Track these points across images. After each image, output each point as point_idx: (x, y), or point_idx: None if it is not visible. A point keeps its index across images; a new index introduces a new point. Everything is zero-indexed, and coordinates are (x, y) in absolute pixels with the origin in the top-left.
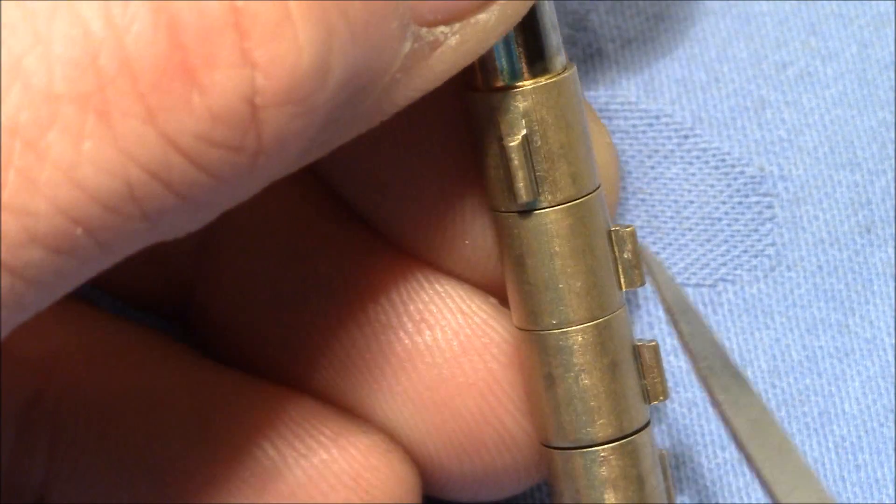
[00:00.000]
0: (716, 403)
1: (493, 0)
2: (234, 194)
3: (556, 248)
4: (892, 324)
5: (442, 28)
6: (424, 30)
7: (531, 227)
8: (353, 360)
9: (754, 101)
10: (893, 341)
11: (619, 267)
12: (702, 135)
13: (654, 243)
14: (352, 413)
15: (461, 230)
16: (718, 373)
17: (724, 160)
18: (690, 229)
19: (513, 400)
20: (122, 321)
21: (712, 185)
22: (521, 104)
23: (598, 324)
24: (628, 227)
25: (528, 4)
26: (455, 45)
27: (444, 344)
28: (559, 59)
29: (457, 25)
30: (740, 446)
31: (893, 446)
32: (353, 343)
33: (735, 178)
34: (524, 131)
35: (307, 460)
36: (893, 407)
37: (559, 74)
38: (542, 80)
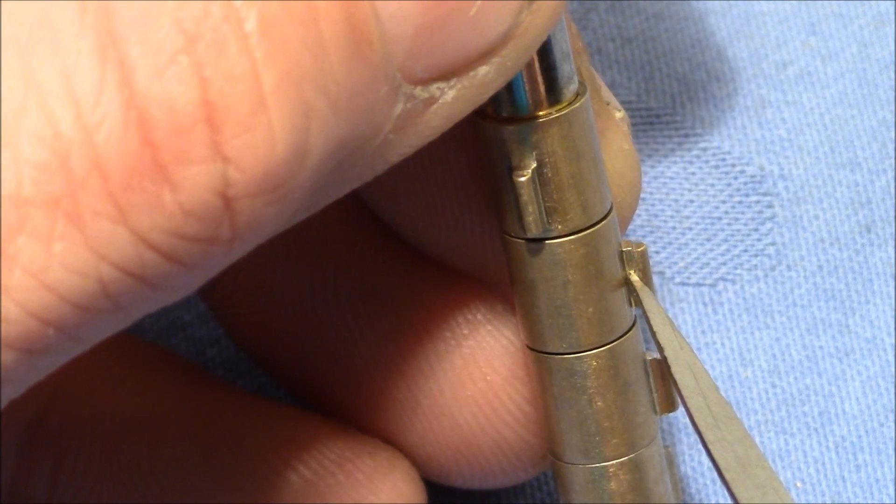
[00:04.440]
0: (703, 440)
1: (491, 54)
2: (213, 273)
3: (569, 276)
4: (892, 324)
5: (438, 84)
6: (419, 88)
7: (542, 255)
8: (352, 364)
9: (754, 100)
10: (893, 341)
11: (630, 287)
12: (702, 135)
13: (653, 243)
14: (355, 429)
15: (476, 232)
16: (705, 408)
17: (724, 160)
18: (690, 229)
19: (511, 411)
20: (128, 339)
21: (712, 185)
22: (531, 137)
23: (611, 348)
24: (640, 245)
25: (529, 56)
26: (452, 101)
27: (446, 354)
28: (570, 87)
29: (453, 80)
30: (725, 484)
31: (893, 446)
32: (353, 348)
33: (735, 178)
34: (534, 164)
35: (313, 486)
36: (893, 407)
37: (570, 105)
38: (553, 113)
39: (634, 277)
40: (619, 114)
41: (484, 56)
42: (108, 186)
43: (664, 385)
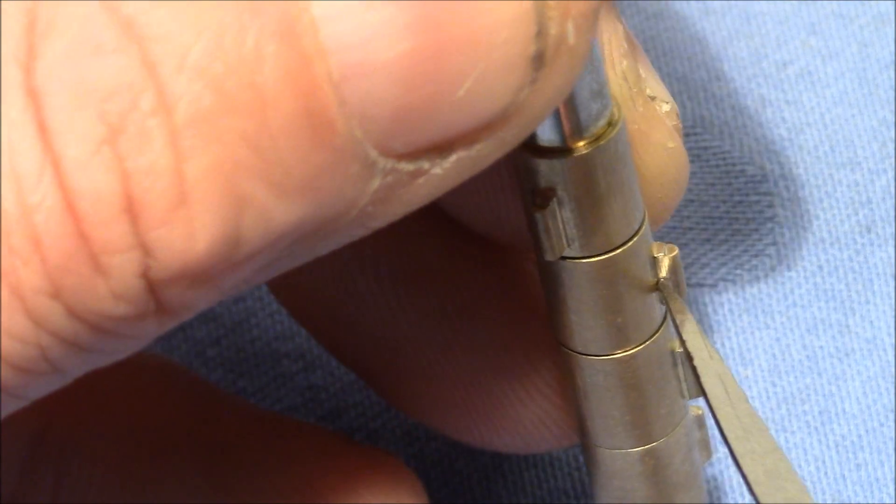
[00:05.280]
0: (732, 452)
1: (488, 132)
2: (151, 341)
3: (598, 291)
4: (892, 324)
5: (427, 158)
6: (403, 162)
7: (568, 271)
8: (392, 337)
9: (755, 100)
10: (893, 341)
11: (661, 284)
12: (702, 135)
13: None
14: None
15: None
16: (735, 419)
17: (724, 160)
18: (690, 229)
19: (550, 385)
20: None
21: (712, 185)
22: (552, 171)
23: (642, 348)
24: (672, 250)
25: (534, 128)
26: (443, 173)
27: (484, 334)
28: (599, 123)
29: (446, 153)
30: (755, 497)
31: (893, 446)
32: (394, 321)
33: (735, 178)
34: (555, 196)
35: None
36: (893, 407)
37: (598, 140)
38: (580, 148)
39: (665, 283)
40: (667, 106)
41: (478, 133)
42: (47, 267)
43: (693, 372)
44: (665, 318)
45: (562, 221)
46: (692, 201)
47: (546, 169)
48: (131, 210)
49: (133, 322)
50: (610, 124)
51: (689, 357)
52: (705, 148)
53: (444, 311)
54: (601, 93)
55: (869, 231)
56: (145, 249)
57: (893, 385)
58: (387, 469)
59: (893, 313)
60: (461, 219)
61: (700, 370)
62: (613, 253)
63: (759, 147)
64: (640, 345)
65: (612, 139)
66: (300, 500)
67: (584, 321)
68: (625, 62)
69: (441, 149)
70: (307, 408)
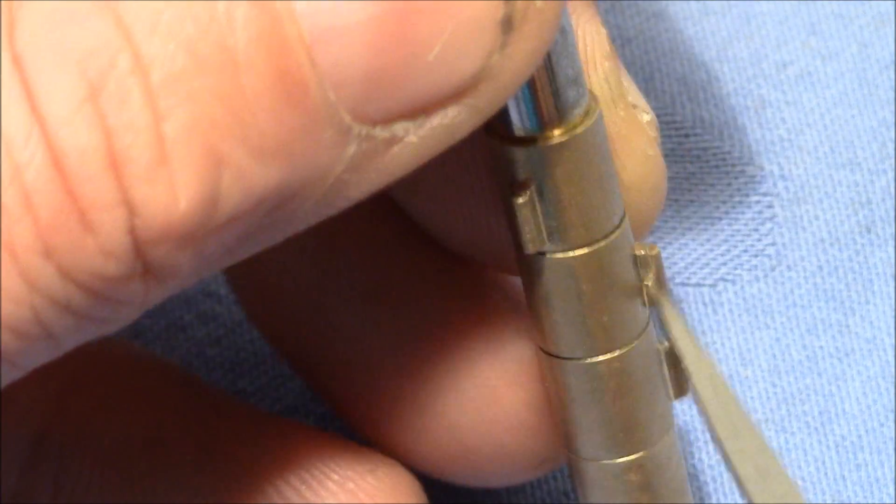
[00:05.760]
0: (722, 451)
1: (461, 96)
2: (140, 309)
3: (582, 288)
4: (892, 324)
5: (402, 123)
6: (378, 128)
7: (551, 268)
8: (359, 358)
9: (754, 100)
10: (893, 341)
11: (647, 286)
12: (702, 135)
13: (653, 243)
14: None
15: (497, 225)
16: (725, 418)
17: (724, 160)
18: (690, 229)
19: (511, 417)
20: (128, 353)
21: (712, 185)
22: (531, 160)
23: (627, 351)
24: (653, 248)
25: (506, 97)
26: (419, 140)
27: (450, 354)
28: (577, 110)
29: (420, 119)
30: (745, 496)
31: (893, 446)
32: (361, 342)
33: (735, 178)
34: (533, 185)
35: None
36: (893, 407)
37: (575, 128)
38: (555, 136)
39: (651, 285)
40: (647, 116)
41: (452, 98)
42: (38, 225)
43: (676, 372)
44: (649, 320)
45: (541, 213)
46: (692, 201)
47: (524, 158)
48: (115, 166)
49: (121, 283)
50: (587, 114)
51: (678, 356)
52: (705, 148)
53: (413, 332)
54: (577, 81)
55: (869, 231)
56: (130, 206)
57: (893, 385)
58: (385, 470)
59: (893, 313)
60: (441, 239)
61: (690, 369)
62: (595, 247)
63: (759, 147)
64: (629, 345)
65: (590, 129)
66: (298, 500)
67: (569, 321)
68: (607, 64)
69: (415, 114)
70: (306, 408)
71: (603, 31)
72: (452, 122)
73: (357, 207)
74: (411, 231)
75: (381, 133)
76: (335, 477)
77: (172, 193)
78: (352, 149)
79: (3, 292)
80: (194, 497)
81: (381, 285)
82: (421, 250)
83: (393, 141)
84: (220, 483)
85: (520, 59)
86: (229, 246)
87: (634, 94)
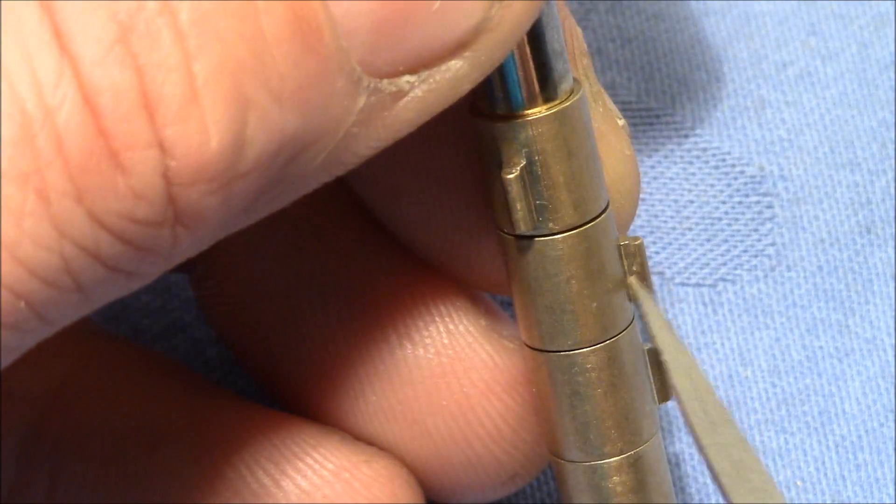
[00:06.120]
0: (698, 444)
1: (462, 48)
2: (166, 262)
3: (572, 272)
4: (892, 324)
5: (407, 77)
6: (385, 81)
7: (541, 252)
8: (326, 363)
9: (754, 100)
10: (893, 341)
11: (629, 280)
12: (702, 135)
13: (654, 243)
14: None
15: (473, 236)
16: (702, 412)
17: (724, 160)
18: (690, 229)
19: (485, 426)
20: (124, 347)
21: (712, 185)
22: (520, 135)
23: (613, 343)
24: (637, 239)
25: (505, 51)
26: (423, 94)
27: (424, 362)
28: (563, 86)
29: (424, 73)
30: (720, 488)
31: (893, 446)
32: (329, 346)
33: (735, 178)
34: (523, 162)
35: (310, 497)
36: (893, 407)
37: (562, 103)
38: (544, 111)
39: (632, 279)
40: (621, 122)
41: (454, 50)
42: (69, 167)
43: (661, 375)
44: (635, 316)
45: (530, 192)
46: (692, 201)
47: (513, 134)
48: (147, 105)
49: (151, 228)
50: (573, 92)
51: (657, 350)
52: (705, 148)
53: (384, 340)
54: (562, 56)
55: (869, 231)
56: (163, 147)
57: (893, 385)
58: (381, 461)
59: (893, 313)
60: (420, 252)
61: (668, 363)
62: (583, 228)
63: (758, 147)
64: (617, 335)
65: (577, 103)
66: (297, 497)
67: (558, 309)
68: (585, 60)
69: (420, 66)
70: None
71: (579, 31)
72: (455, 76)
73: (324, 212)
74: (384, 238)
75: (388, 87)
76: (330, 466)
77: (204, 132)
78: (361, 101)
79: (34, 238)
80: (190, 491)
81: (349, 292)
82: (395, 260)
83: (399, 95)
84: (216, 475)
85: (518, 10)
86: (249, 201)
87: (607, 101)
